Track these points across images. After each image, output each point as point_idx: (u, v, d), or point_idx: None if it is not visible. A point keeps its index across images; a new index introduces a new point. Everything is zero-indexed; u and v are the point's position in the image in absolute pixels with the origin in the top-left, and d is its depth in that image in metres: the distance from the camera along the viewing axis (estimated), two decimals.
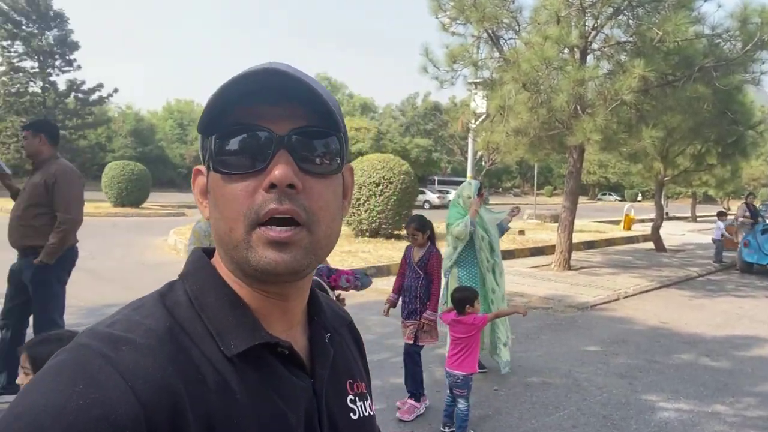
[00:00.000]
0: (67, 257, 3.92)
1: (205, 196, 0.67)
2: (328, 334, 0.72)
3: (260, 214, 0.59)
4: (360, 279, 3.05)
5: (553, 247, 11.02)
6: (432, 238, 4.15)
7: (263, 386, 0.61)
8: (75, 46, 28.24)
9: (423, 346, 4.10)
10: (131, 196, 19.95)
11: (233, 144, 0.60)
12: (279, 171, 0.59)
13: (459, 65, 10.01)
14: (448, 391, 3.72)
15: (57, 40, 27.77)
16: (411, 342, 4.05)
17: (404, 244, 6.49)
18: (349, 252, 10.43)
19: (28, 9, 26.70)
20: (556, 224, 11.54)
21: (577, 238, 12.11)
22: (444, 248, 4.69)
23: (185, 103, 51.52)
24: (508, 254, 11.26)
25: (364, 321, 6.05)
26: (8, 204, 4.50)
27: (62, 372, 0.52)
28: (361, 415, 0.72)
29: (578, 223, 13.11)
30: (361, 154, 19.33)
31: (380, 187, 12.09)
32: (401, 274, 4.20)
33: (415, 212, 6.54)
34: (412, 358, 4.07)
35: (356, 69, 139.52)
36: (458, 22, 9.81)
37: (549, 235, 14.83)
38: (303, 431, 0.63)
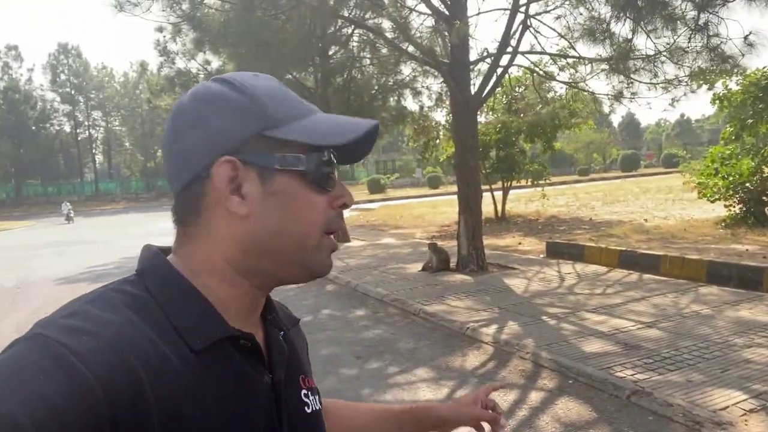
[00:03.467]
0: None
1: (237, 192, 0.65)
2: (282, 332, 0.75)
3: (331, 227, 0.68)
4: None
5: None
6: None
7: (228, 380, 0.63)
8: None
9: None
10: None
11: (323, 162, 0.67)
12: (351, 195, 0.71)
13: None
14: None
15: None
16: None
17: None
18: None
19: None
20: None
21: None
22: None
23: None
24: None
25: None
26: None
27: (21, 363, 0.52)
28: (314, 409, 0.75)
29: None
30: None
31: None
32: None
33: None
34: None
35: None
36: None
37: None
38: (265, 425, 0.66)
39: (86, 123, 60.27)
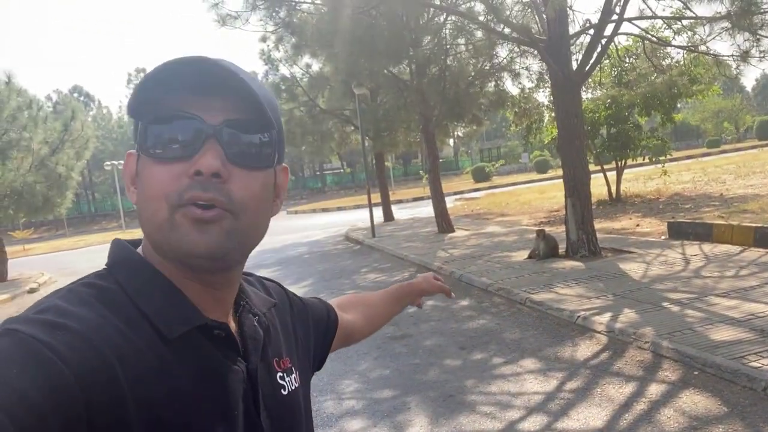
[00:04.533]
0: None
1: (134, 182, 0.67)
2: (256, 317, 0.74)
3: (183, 198, 0.61)
4: None
5: None
6: None
7: (200, 369, 0.63)
8: None
9: None
10: None
11: (165, 130, 0.62)
12: (205, 159, 0.61)
13: None
14: None
15: None
16: None
17: None
18: None
19: None
20: None
21: None
22: None
23: None
24: None
25: None
26: None
27: None
28: (290, 390, 0.75)
29: None
30: None
31: None
32: None
33: None
34: None
35: None
36: None
37: None
38: (241, 413, 0.66)
39: None
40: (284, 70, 16.90)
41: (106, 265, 0.68)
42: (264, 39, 15.15)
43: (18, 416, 0.47)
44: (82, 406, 0.51)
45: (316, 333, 0.94)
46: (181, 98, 0.62)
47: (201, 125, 0.62)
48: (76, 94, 51.61)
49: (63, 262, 18.61)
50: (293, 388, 0.77)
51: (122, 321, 0.60)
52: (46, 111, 15.95)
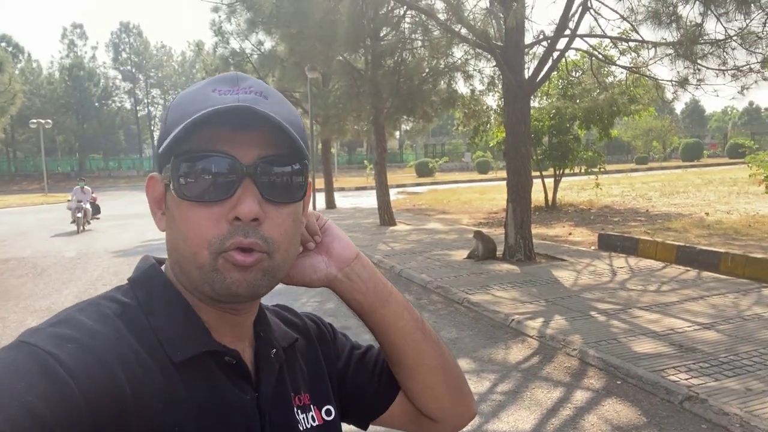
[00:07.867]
0: None
1: (160, 207, 0.67)
2: (274, 350, 0.72)
3: (226, 245, 0.60)
4: None
5: None
6: None
7: (208, 395, 0.62)
8: None
9: None
10: None
11: (198, 170, 0.60)
12: (245, 206, 0.60)
13: None
14: None
15: None
16: None
17: None
18: None
19: None
20: None
21: None
22: None
23: None
24: None
25: None
26: None
27: (4, 371, 0.51)
28: (307, 427, 0.73)
29: None
30: None
31: None
32: None
33: None
34: None
35: None
36: None
37: None
38: None
39: (146, 100, 62.56)
40: (234, 43, 16.38)
41: (128, 279, 0.68)
42: (216, 9, 14.61)
43: (23, 428, 0.47)
44: (87, 421, 0.51)
45: (353, 375, 0.85)
46: (213, 134, 0.60)
47: (236, 164, 0.60)
48: (4, 44, 47.89)
49: None
50: (312, 425, 0.75)
51: (136, 338, 0.60)
52: None
